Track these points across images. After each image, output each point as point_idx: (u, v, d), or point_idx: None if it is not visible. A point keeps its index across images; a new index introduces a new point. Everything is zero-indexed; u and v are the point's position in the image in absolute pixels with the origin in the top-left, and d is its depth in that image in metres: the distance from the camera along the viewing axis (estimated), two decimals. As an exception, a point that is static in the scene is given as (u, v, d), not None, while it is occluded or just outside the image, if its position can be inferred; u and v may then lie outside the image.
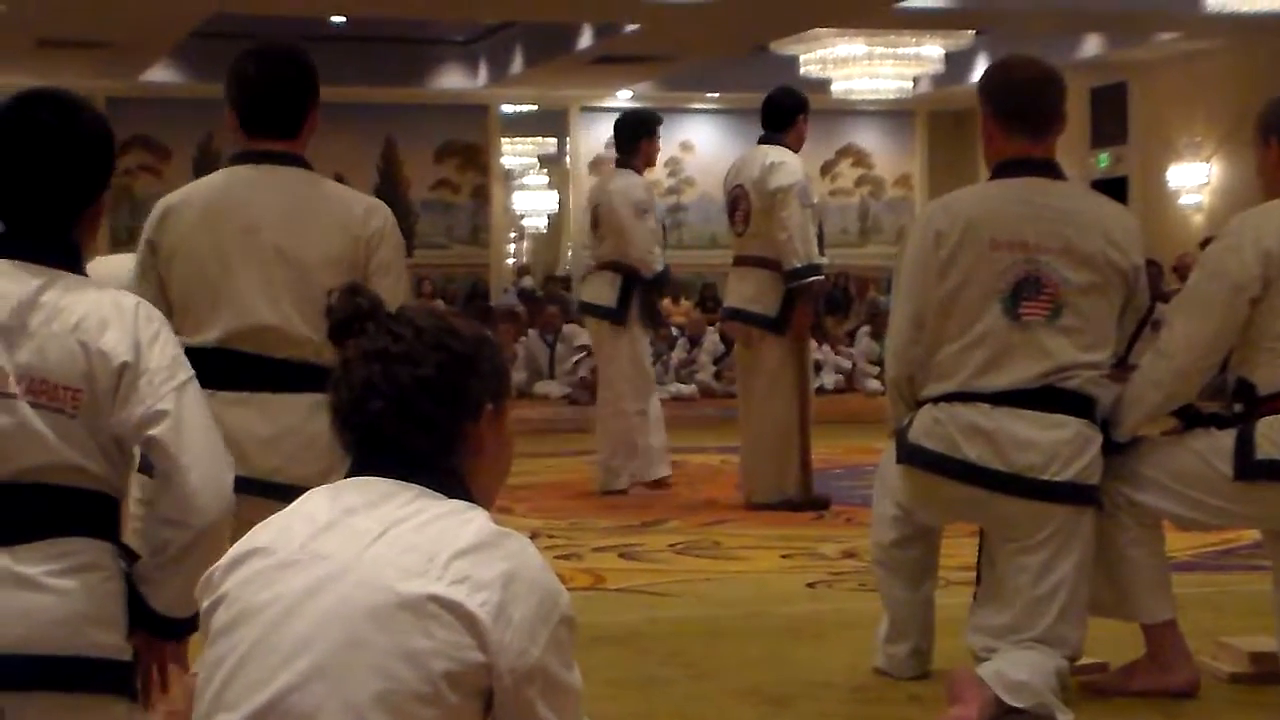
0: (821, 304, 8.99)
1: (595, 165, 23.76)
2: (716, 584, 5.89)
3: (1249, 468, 3.93)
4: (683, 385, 15.71)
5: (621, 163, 8.48)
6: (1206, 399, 4.16)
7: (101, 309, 2.67)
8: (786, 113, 7.83)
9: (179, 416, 2.65)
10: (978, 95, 4.21)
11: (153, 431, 2.63)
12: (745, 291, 7.75)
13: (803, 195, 7.62)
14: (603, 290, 8.33)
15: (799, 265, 7.57)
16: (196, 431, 2.67)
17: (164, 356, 2.68)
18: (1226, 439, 3.99)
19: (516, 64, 20.48)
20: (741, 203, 7.76)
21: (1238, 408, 4.02)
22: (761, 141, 7.84)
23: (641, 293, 8.23)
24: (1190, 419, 4.14)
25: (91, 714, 2.64)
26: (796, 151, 7.78)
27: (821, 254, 7.80)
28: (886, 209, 25.11)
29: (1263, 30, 18.17)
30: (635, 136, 8.39)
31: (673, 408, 11.50)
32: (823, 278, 7.90)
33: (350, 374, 2.20)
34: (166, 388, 2.66)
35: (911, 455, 4.09)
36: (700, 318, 17.31)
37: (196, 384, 2.71)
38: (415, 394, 2.18)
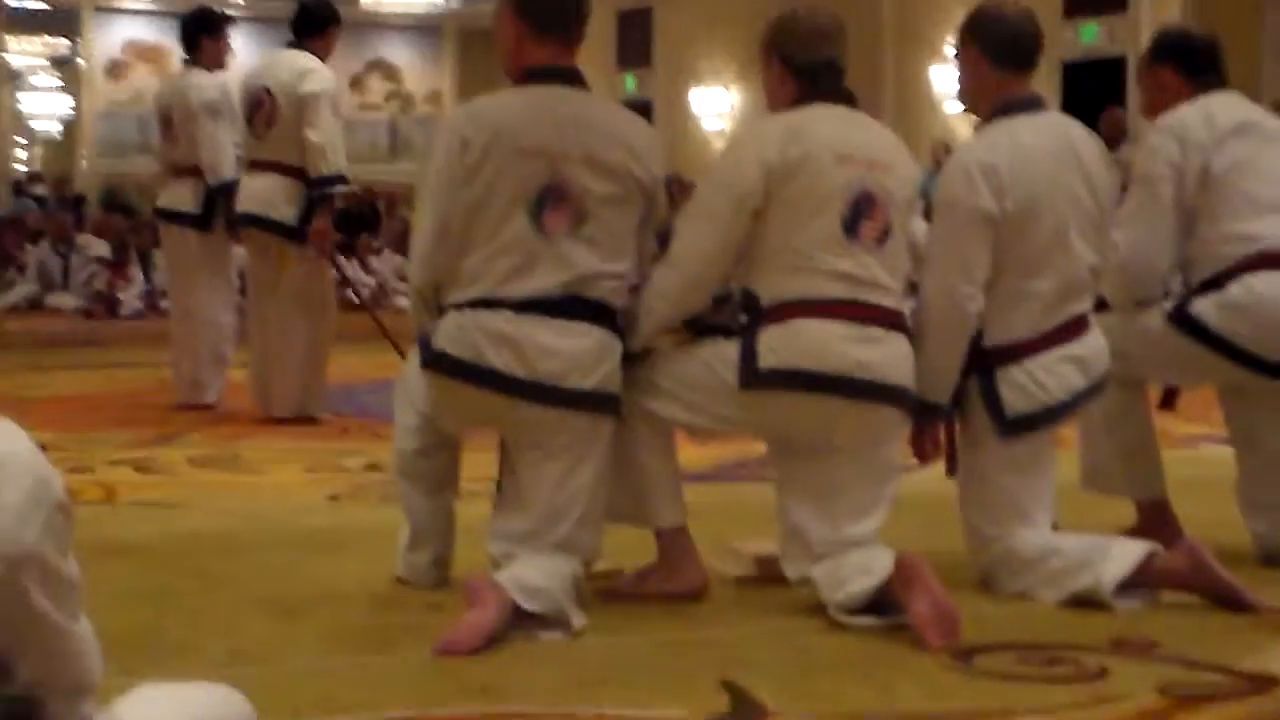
0: (341, 219, 8.84)
1: (112, 69, 22.89)
2: (234, 497, 5.77)
3: (752, 377, 4.05)
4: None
5: (189, 62, 8.18)
6: (712, 312, 4.27)
7: None
8: (319, 21, 7.68)
9: None
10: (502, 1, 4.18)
11: None
12: (269, 198, 7.55)
13: (333, 103, 7.50)
14: (183, 196, 8.00)
15: (327, 173, 7.43)
16: None
17: None
18: (732, 349, 4.10)
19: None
20: (265, 105, 7.53)
21: (744, 319, 4.14)
22: (289, 47, 7.66)
23: (225, 199, 7.92)
24: (700, 329, 4.24)
25: None
26: (324, 61, 7.63)
27: None
28: (417, 125, 25.04)
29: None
30: (195, 34, 8.12)
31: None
32: (347, 188, 7.77)
33: None
34: None
35: (436, 361, 4.07)
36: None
37: None
38: None
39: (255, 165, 7.62)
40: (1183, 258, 4.68)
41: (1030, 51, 4.38)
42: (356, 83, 23.69)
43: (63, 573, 2.08)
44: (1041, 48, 4.43)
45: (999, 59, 4.35)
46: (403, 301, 14.87)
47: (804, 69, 4.21)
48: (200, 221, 8.00)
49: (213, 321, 8.05)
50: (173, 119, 8.10)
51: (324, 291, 7.64)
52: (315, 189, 7.42)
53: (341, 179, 7.50)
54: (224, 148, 7.94)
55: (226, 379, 8.15)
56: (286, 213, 7.45)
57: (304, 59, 7.55)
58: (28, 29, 24.25)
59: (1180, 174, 4.62)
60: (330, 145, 7.41)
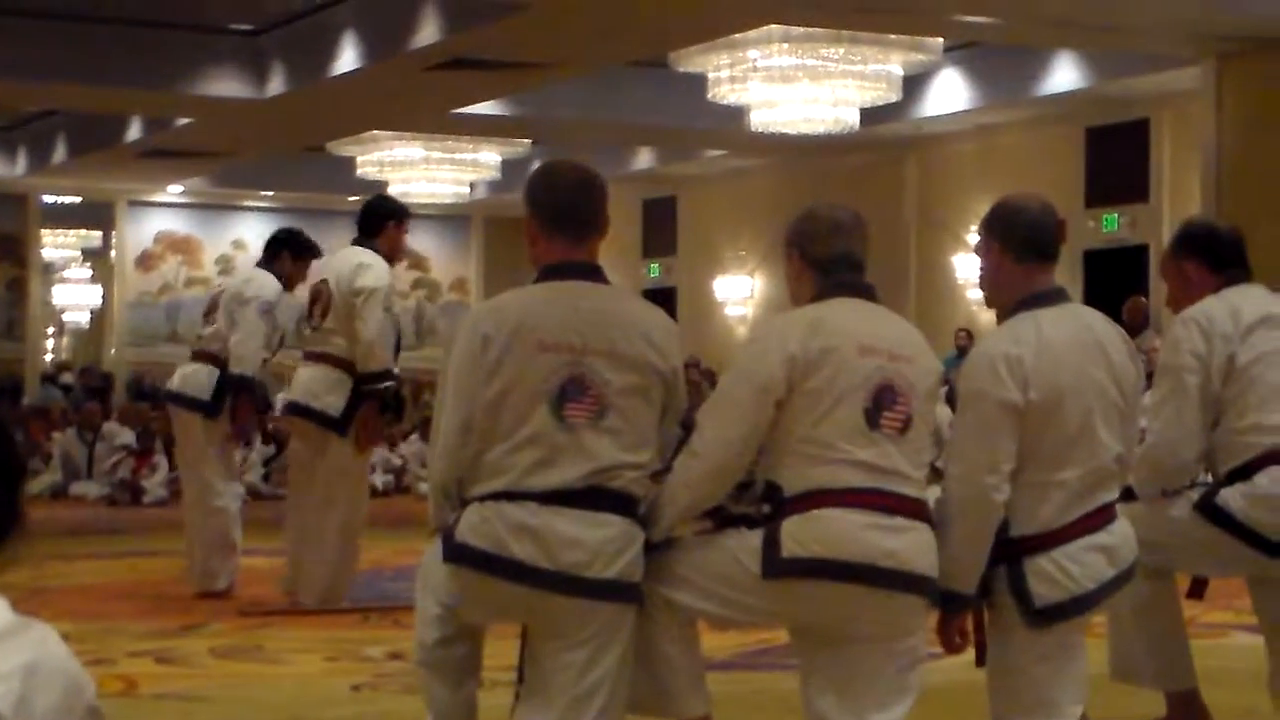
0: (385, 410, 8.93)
1: (142, 260, 23.17)
2: (257, 687, 5.73)
3: (775, 566, 4.03)
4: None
5: (261, 265, 8.30)
6: (734, 500, 4.25)
7: None
8: (375, 219, 7.78)
9: None
10: (523, 199, 4.25)
11: None
12: (312, 388, 7.60)
13: (386, 300, 7.56)
14: (195, 381, 8.09)
15: (374, 369, 7.48)
16: None
17: None
18: (755, 538, 4.08)
19: (59, 153, 19.83)
20: (322, 297, 7.63)
21: (766, 509, 4.13)
22: (353, 244, 7.78)
23: (246, 393, 7.99)
24: (722, 519, 4.23)
25: None
26: (389, 259, 7.70)
27: (395, 360, 7.74)
28: (442, 312, 25.24)
29: (801, 151, 19.06)
30: (279, 249, 8.22)
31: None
32: (394, 384, 7.77)
33: None
34: None
35: (459, 554, 4.06)
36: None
37: None
38: None
39: (308, 356, 7.72)
40: (1209, 448, 4.68)
41: (1050, 244, 4.42)
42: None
43: None
44: (1062, 240, 4.47)
45: (1020, 253, 4.38)
46: (424, 487, 14.87)
47: (820, 263, 4.25)
48: (208, 408, 8.03)
49: (219, 509, 8.07)
50: (218, 304, 8.22)
51: (359, 481, 7.68)
52: (362, 384, 7.47)
53: (388, 374, 7.55)
54: (257, 344, 7.96)
55: (237, 565, 8.14)
56: (329, 402, 7.50)
57: (361, 255, 7.65)
58: (62, 223, 24.60)
59: (1206, 365, 4.64)
60: (379, 341, 7.48)
